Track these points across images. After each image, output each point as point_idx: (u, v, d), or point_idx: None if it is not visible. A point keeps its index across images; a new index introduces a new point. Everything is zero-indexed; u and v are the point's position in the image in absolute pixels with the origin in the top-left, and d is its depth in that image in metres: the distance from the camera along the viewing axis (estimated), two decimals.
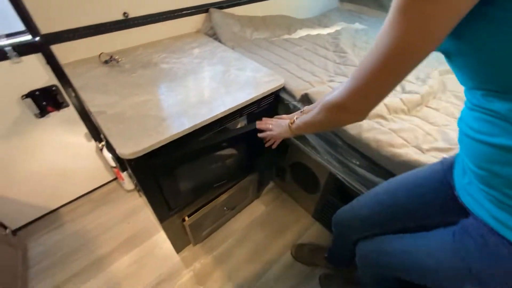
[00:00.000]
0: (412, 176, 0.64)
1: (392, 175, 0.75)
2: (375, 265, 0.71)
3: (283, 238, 1.29)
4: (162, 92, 0.89)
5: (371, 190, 0.74)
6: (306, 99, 1.00)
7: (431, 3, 0.30)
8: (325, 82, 1.09)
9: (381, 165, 0.81)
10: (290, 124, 0.74)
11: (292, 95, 1.02)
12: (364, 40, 1.47)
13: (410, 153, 0.75)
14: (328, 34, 1.54)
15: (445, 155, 0.72)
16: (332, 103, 0.49)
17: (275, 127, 0.85)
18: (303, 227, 1.34)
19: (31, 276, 1.13)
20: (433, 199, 0.58)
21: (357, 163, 0.87)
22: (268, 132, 0.87)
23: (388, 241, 0.66)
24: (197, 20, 1.31)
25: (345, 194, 1.06)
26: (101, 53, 1.03)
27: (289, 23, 1.59)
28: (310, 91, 0.97)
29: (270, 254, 1.23)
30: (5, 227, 1.11)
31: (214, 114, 0.81)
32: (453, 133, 0.82)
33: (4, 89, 0.94)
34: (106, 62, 1.02)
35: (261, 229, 1.33)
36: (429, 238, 0.55)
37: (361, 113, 0.47)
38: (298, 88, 1.02)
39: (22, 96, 0.97)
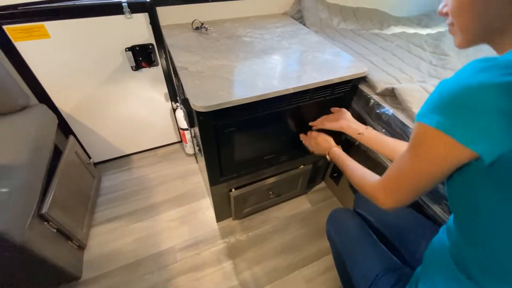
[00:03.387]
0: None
1: None
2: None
3: (323, 242, 1.20)
4: (238, 60, 0.91)
5: None
6: (390, 94, 0.89)
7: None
8: (414, 81, 0.96)
9: None
10: (330, 150, 0.82)
11: (372, 87, 0.93)
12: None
13: None
14: (428, 34, 1.35)
15: None
16: (372, 187, 0.53)
17: (315, 144, 0.91)
18: None
19: (99, 203, 1.32)
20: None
21: None
22: (308, 143, 0.96)
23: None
24: (286, 2, 1.30)
25: None
26: (194, 20, 1.12)
27: (382, 18, 1.45)
28: (398, 86, 0.86)
29: (306, 254, 1.16)
30: (89, 157, 1.33)
31: (283, 89, 0.79)
32: None
33: (115, 39, 1.10)
34: (196, 28, 1.10)
35: (302, 225, 1.27)
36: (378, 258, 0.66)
37: (390, 204, 0.50)
38: (381, 80, 0.92)
39: (126, 48, 1.13)
